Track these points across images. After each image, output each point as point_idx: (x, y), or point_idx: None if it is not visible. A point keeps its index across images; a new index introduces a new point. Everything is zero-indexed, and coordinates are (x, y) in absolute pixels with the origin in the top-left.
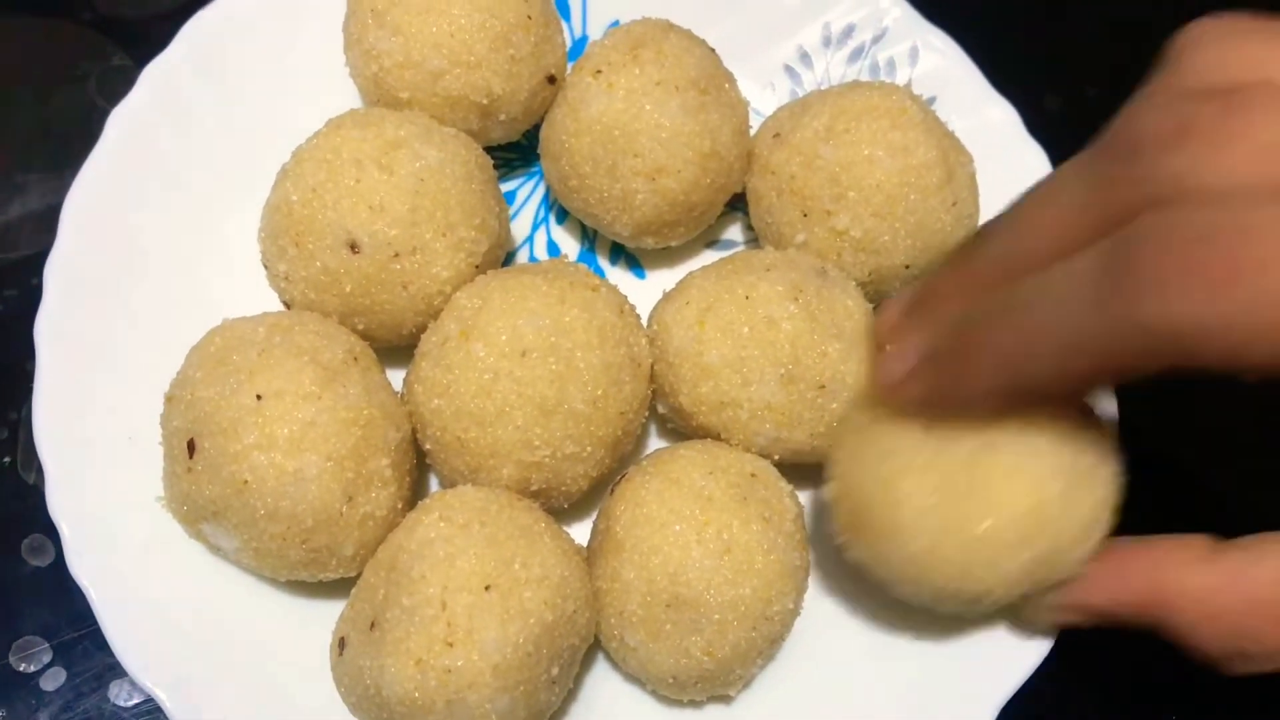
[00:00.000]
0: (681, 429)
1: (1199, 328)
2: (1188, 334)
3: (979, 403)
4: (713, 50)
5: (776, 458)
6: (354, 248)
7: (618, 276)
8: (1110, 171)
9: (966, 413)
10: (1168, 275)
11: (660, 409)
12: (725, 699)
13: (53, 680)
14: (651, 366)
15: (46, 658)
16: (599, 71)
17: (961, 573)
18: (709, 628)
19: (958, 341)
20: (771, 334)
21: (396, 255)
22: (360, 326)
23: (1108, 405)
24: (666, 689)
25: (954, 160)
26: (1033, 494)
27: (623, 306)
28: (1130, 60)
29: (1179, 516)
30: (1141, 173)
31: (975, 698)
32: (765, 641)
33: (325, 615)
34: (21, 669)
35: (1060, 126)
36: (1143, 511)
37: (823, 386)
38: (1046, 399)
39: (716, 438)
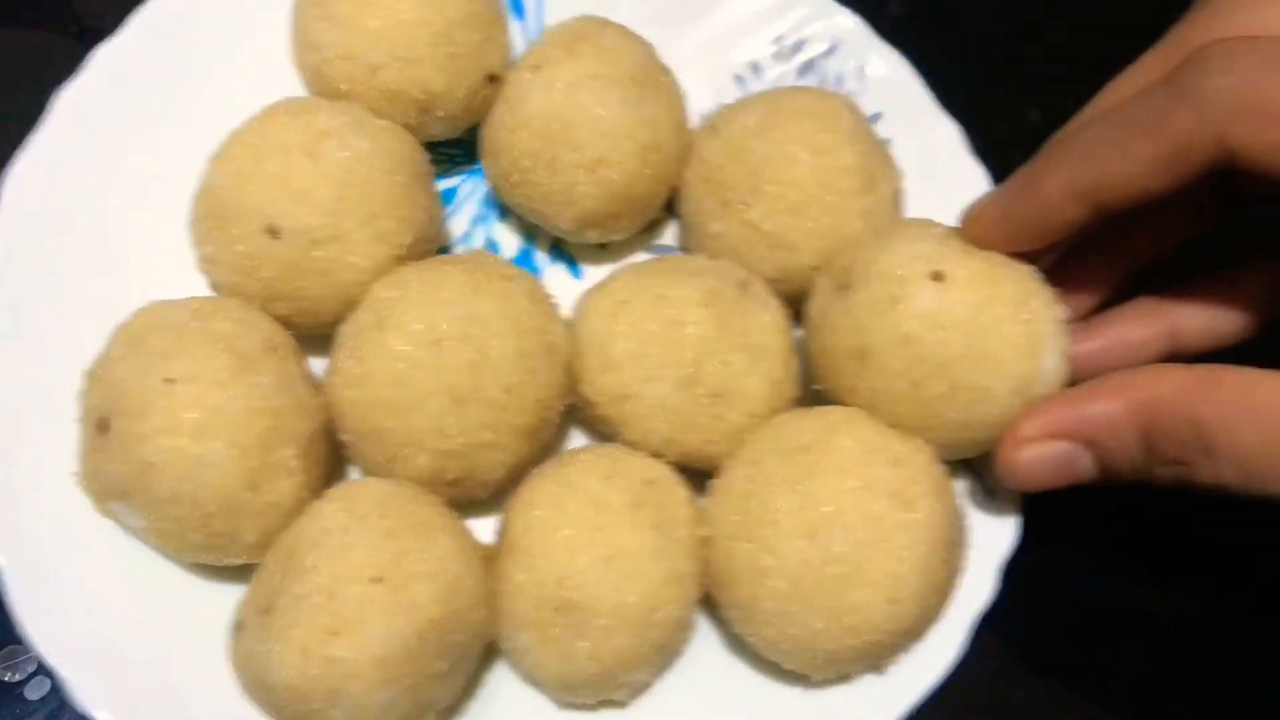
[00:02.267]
0: (588, 420)
1: (1254, 111)
2: (1243, 116)
3: (1054, 209)
4: (651, 45)
5: (670, 460)
6: (274, 233)
7: (556, 275)
8: (1182, 32)
9: (1042, 223)
10: (1231, 65)
11: (573, 396)
12: (618, 705)
13: (37, 689)
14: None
15: (31, 667)
16: (537, 67)
17: None
18: (594, 633)
19: (1036, 157)
20: (676, 334)
21: (316, 242)
22: (281, 312)
23: None
24: (554, 692)
25: (878, 173)
26: None
27: (539, 295)
28: (1110, 72)
29: None
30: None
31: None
32: (651, 649)
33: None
34: (6, 678)
35: (1043, 138)
36: None
37: (719, 395)
38: (1114, 202)
39: (615, 431)
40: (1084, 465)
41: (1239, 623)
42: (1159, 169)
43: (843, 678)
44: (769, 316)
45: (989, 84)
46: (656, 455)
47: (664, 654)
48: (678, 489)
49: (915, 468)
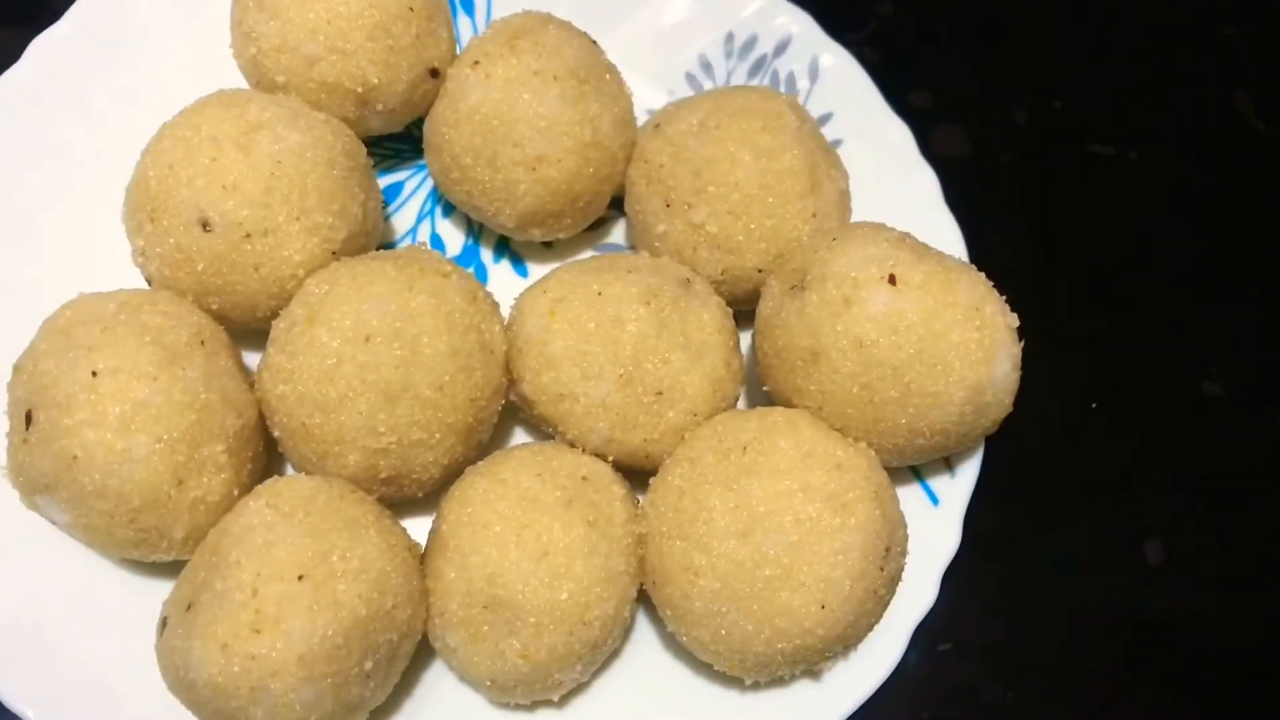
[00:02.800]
0: (528, 419)
1: None
2: None
3: None
4: (594, 42)
5: (611, 459)
6: (206, 226)
7: (501, 272)
8: None
9: None
10: None
11: (512, 397)
12: (555, 703)
13: None
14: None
15: None
16: (477, 63)
17: None
18: (525, 630)
19: None
20: (616, 333)
21: (248, 236)
22: (215, 306)
23: None
24: (487, 691)
25: (823, 173)
26: None
27: (476, 293)
28: (1097, 73)
29: None
30: None
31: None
32: (585, 647)
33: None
34: None
35: (1029, 139)
36: None
37: (660, 393)
38: None
39: (555, 430)
40: None
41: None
42: None
43: (778, 682)
44: (710, 314)
45: (977, 84)
46: (598, 455)
47: (598, 652)
48: (615, 486)
49: (855, 473)
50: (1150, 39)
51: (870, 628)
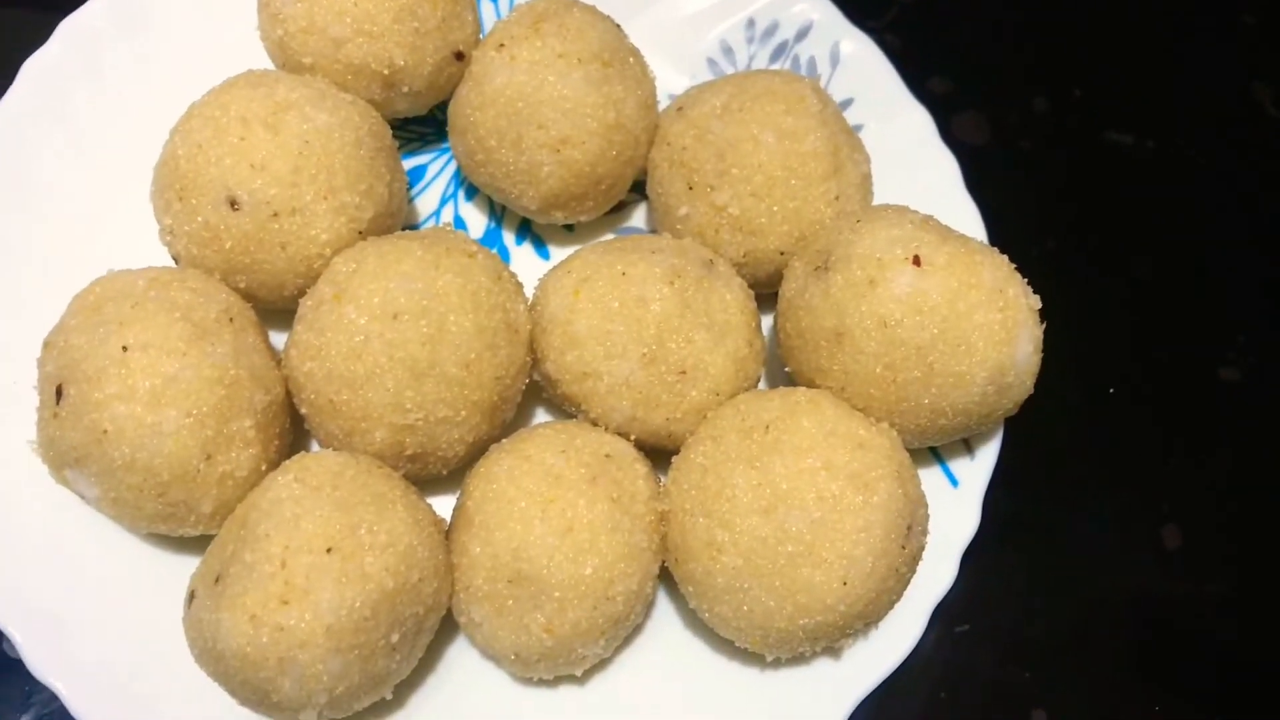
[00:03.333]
0: (551, 398)
1: None
2: None
3: None
4: (618, 25)
5: (634, 438)
6: (234, 205)
7: (523, 255)
8: None
9: None
10: None
11: (535, 375)
12: (578, 678)
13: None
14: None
15: None
16: (502, 45)
17: None
18: (549, 605)
19: None
20: (640, 312)
21: (275, 215)
22: (242, 285)
23: None
24: (510, 665)
25: (845, 156)
26: None
27: (501, 273)
28: (1116, 62)
29: None
30: None
31: (829, 698)
32: (608, 622)
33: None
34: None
35: (1049, 126)
36: None
37: (684, 372)
38: None
39: (578, 409)
40: None
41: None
42: None
43: (798, 659)
44: (733, 295)
45: (996, 73)
46: (620, 433)
47: (620, 627)
48: (637, 464)
49: (877, 452)
50: (1169, 29)
51: (891, 605)
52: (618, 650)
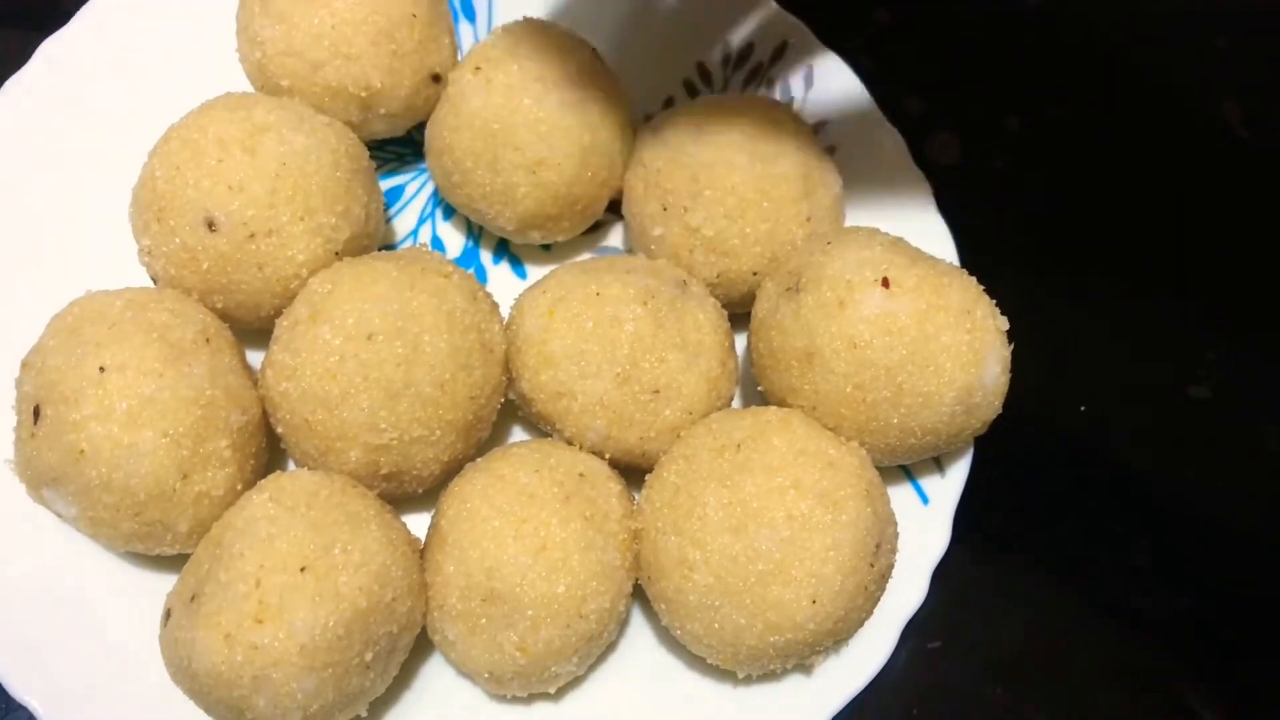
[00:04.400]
0: (527, 416)
1: None
2: None
3: None
4: (594, 49)
5: (608, 456)
6: (211, 226)
7: (500, 274)
8: None
9: None
10: None
11: (510, 395)
12: (551, 696)
13: None
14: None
15: None
16: (478, 68)
17: None
18: (522, 623)
19: None
20: (614, 332)
21: (252, 236)
22: (219, 305)
23: None
24: (484, 683)
25: (817, 179)
26: None
27: (476, 293)
28: (1088, 82)
29: None
30: None
31: (800, 714)
32: (581, 640)
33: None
34: None
35: (1021, 146)
36: None
37: (657, 391)
38: None
39: (553, 428)
40: None
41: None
42: None
43: (770, 676)
44: (706, 315)
45: (971, 92)
46: (595, 452)
47: (594, 646)
48: (611, 482)
49: (847, 470)
50: (1142, 50)
51: (861, 622)
52: (591, 668)
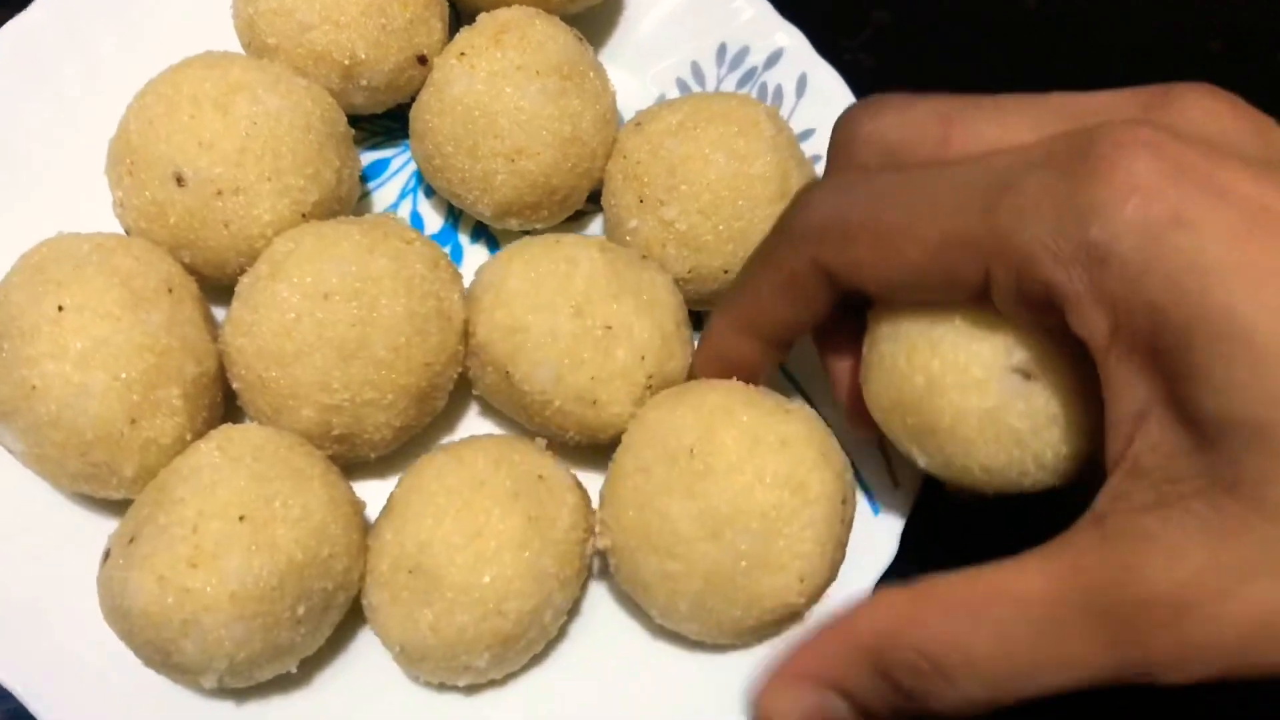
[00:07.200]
0: (487, 390)
1: (830, 234)
2: (825, 240)
3: (729, 346)
4: (581, 39)
5: (559, 404)
6: (180, 181)
7: (477, 255)
8: None
9: (725, 359)
10: (813, 197)
11: (468, 363)
12: (461, 689)
13: None
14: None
15: None
16: (463, 54)
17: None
18: (439, 603)
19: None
20: (569, 269)
21: (220, 193)
22: (186, 260)
23: None
24: (398, 659)
25: (794, 183)
26: None
27: (438, 261)
28: (1085, 86)
29: None
30: None
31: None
32: (495, 638)
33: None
34: None
35: None
36: None
37: (609, 327)
38: (772, 332)
39: (508, 374)
40: (840, 712)
41: None
42: (785, 298)
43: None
44: (664, 281)
45: (970, 92)
46: (546, 400)
47: (509, 648)
48: (569, 494)
49: (801, 443)
50: (1138, 54)
51: (839, 564)
52: (511, 678)
